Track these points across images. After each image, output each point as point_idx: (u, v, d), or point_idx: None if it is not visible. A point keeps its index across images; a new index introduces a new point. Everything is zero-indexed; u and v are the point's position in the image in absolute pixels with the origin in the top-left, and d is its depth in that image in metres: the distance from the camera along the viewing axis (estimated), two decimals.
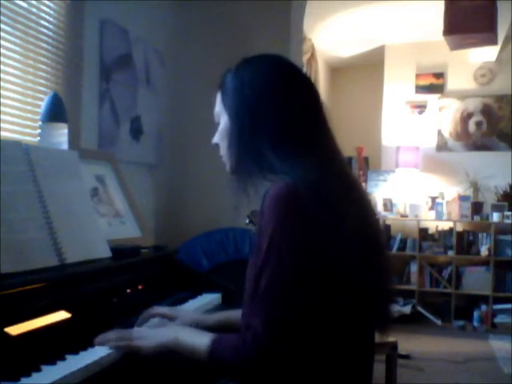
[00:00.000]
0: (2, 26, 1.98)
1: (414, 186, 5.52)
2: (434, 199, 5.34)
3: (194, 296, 1.73)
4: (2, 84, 1.98)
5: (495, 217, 5.04)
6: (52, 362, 1.02)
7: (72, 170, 1.60)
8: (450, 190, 5.38)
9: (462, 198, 5.20)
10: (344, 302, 1.03)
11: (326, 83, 6.15)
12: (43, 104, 1.77)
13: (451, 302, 5.08)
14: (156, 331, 1.19)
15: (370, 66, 6.07)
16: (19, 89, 2.09)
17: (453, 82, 5.57)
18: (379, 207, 5.40)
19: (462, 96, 5.51)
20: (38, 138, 1.75)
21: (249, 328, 0.99)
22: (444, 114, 5.58)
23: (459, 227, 5.22)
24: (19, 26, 2.08)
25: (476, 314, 5.02)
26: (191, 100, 3.27)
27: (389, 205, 5.45)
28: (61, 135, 1.75)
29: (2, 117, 1.96)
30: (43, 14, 2.22)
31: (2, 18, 1.97)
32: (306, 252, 0.99)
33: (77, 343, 1.12)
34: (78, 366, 1.02)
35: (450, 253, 5.17)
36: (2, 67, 1.98)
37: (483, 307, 5.00)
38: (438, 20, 3.88)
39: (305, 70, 4.90)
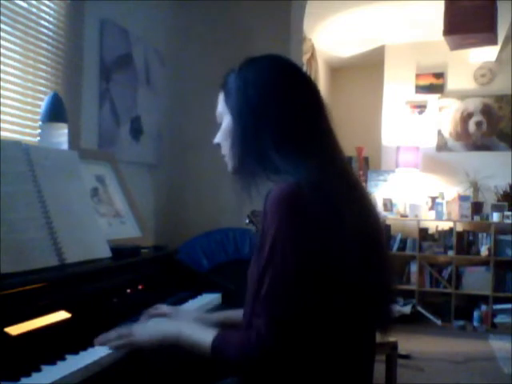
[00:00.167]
0: (2, 26, 1.98)
1: (413, 186, 5.52)
2: (434, 199, 5.34)
3: (194, 296, 1.73)
4: (2, 84, 1.98)
5: (495, 217, 5.04)
6: (52, 361, 1.02)
7: (72, 169, 1.60)
8: (450, 190, 5.38)
9: (462, 198, 5.20)
10: (345, 301, 1.03)
11: (326, 83, 6.15)
12: (43, 104, 1.77)
13: (451, 302, 5.08)
14: (158, 324, 1.20)
15: (370, 66, 6.07)
16: (19, 89, 2.09)
17: (453, 82, 5.57)
18: (379, 207, 5.40)
19: (462, 96, 5.51)
20: (38, 138, 1.75)
21: (252, 327, 1.00)
22: (444, 114, 5.58)
23: (459, 227, 5.22)
24: (19, 25, 2.07)
25: (476, 314, 5.02)
26: (191, 100, 3.27)
27: (389, 205, 5.45)
28: (61, 135, 1.75)
29: (2, 117, 1.96)
30: (43, 14, 2.22)
31: (2, 18, 1.97)
32: (309, 252, 0.99)
33: (77, 343, 1.12)
34: (78, 366, 1.02)
35: (450, 253, 5.17)
36: (2, 67, 1.98)
37: (483, 307, 5.00)
38: (438, 20, 3.88)
39: (305, 70, 4.90)
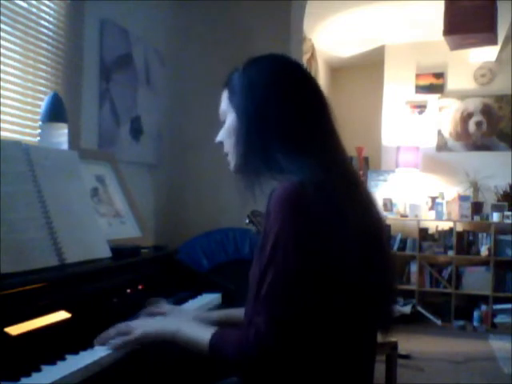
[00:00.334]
0: (2, 26, 1.98)
1: (414, 186, 5.52)
2: (434, 199, 5.34)
3: (194, 296, 1.73)
4: (2, 84, 1.98)
5: (495, 217, 5.04)
6: (52, 361, 1.02)
7: (72, 169, 1.60)
8: (450, 190, 5.38)
9: (462, 198, 5.20)
10: (347, 301, 1.03)
11: (326, 83, 6.14)
12: (43, 104, 1.77)
13: (451, 302, 5.08)
14: (157, 320, 1.20)
15: (370, 66, 6.07)
16: (19, 89, 2.09)
17: (453, 82, 5.58)
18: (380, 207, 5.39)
19: (462, 96, 5.51)
20: (38, 138, 1.75)
21: (251, 325, 0.99)
22: (444, 114, 5.58)
23: (459, 227, 5.22)
24: (19, 25, 2.07)
25: (476, 314, 5.02)
26: (191, 100, 3.27)
27: (389, 205, 5.45)
28: (61, 135, 1.75)
29: (2, 117, 1.96)
30: (43, 14, 2.22)
31: (2, 18, 1.97)
32: (311, 252, 0.99)
33: (77, 343, 1.12)
34: (78, 366, 1.02)
35: (450, 253, 5.17)
36: (2, 67, 1.98)
37: (483, 307, 5.00)
38: (438, 20, 3.88)
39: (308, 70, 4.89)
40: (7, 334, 1.03)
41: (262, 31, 3.20)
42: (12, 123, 2.05)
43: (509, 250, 4.98)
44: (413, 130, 5.63)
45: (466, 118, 5.50)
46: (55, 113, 1.74)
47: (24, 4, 2.10)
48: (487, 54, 5.19)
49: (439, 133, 5.59)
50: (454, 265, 5.14)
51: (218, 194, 3.18)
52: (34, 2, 2.16)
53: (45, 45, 2.23)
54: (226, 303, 1.78)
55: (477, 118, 5.47)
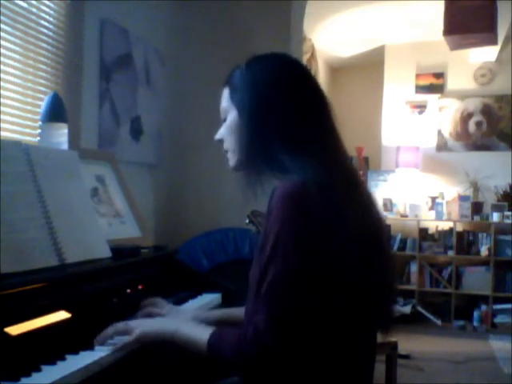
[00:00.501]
0: (2, 26, 1.98)
1: (414, 186, 5.52)
2: (434, 199, 5.34)
3: (194, 296, 1.73)
4: (2, 84, 1.98)
5: (495, 217, 5.04)
6: (52, 361, 1.02)
7: (72, 169, 1.60)
8: (450, 190, 5.38)
9: (462, 198, 5.20)
10: (346, 301, 1.03)
11: (326, 83, 6.14)
12: (43, 104, 1.77)
13: (451, 302, 5.08)
14: (156, 320, 1.20)
15: (370, 66, 6.07)
16: (19, 89, 2.09)
17: (453, 82, 5.57)
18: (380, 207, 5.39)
19: (462, 96, 5.51)
20: (38, 138, 1.75)
21: (251, 324, 0.99)
22: (444, 114, 5.58)
23: (459, 227, 5.22)
24: (19, 25, 2.07)
25: (476, 314, 5.02)
26: (191, 100, 3.27)
27: (389, 205, 5.45)
28: (61, 135, 1.75)
29: (2, 117, 1.96)
30: (43, 14, 2.22)
31: (2, 18, 1.97)
32: (311, 252, 0.99)
33: (77, 343, 1.12)
34: (78, 366, 1.02)
35: (450, 253, 5.17)
36: (2, 67, 1.98)
37: (483, 307, 5.00)
38: (438, 20, 3.88)
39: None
40: (7, 334, 1.03)
41: (262, 31, 3.20)
42: (12, 123, 2.05)
43: (509, 249, 4.98)
44: (413, 130, 5.63)
45: (465, 117, 5.50)
46: (55, 113, 1.74)
47: (24, 4, 2.10)
48: (487, 53, 5.19)
49: (439, 133, 5.59)
50: (454, 265, 5.14)
51: (218, 194, 3.18)
52: (34, 2, 2.16)
53: (45, 45, 2.23)
54: (226, 303, 1.78)
55: (477, 117, 5.47)
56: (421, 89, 5.65)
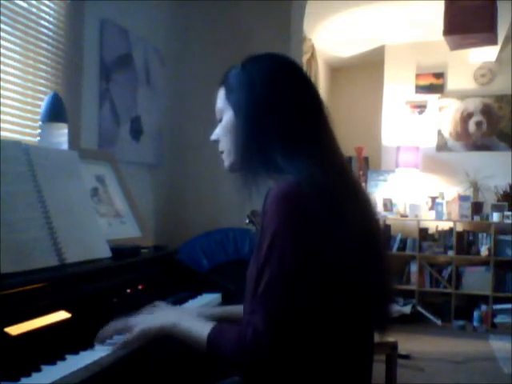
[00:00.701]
0: (2, 26, 1.98)
1: (414, 186, 5.52)
2: (434, 199, 5.34)
3: (193, 296, 1.73)
4: (2, 84, 1.98)
5: (495, 217, 5.04)
6: (52, 361, 1.02)
7: (72, 169, 1.60)
8: (450, 190, 5.38)
9: (462, 198, 5.20)
10: (344, 301, 1.03)
11: (326, 83, 6.15)
12: (43, 104, 1.77)
13: (451, 302, 5.08)
14: (156, 315, 1.19)
15: (370, 66, 6.07)
16: (19, 89, 2.09)
17: (453, 82, 5.58)
18: (379, 207, 5.40)
19: (462, 96, 5.51)
20: (38, 138, 1.75)
21: (249, 324, 0.99)
22: (444, 114, 5.58)
23: (459, 227, 5.22)
24: (19, 25, 2.07)
25: (476, 313, 5.02)
26: (191, 100, 3.27)
27: (389, 205, 5.45)
28: (61, 135, 1.75)
29: (2, 117, 1.96)
30: (43, 14, 2.22)
31: (2, 18, 1.97)
32: (308, 251, 0.99)
33: (77, 343, 1.12)
34: (78, 365, 1.02)
35: (450, 253, 5.17)
36: (2, 67, 1.98)
37: (483, 307, 5.00)
38: (438, 20, 3.88)
39: (305, 69, 4.90)
40: (7, 334, 1.03)
41: (262, 31, 3.20)
42: (12, 123, 2.05)
43: (509, 249, 4.98)
44: (413, 130, 5.63)
45: (466, 117, 5.50)
46: (55, 113, 1.74)
47: (24, 4, 2.10)
48: (487, 53, 5.19)
49: (439, 133, 5.59)
50: (454, 265, 5.14)
51: (218, 194, 3.18)
52: (34, 2, 2.16)
53: (45, 45, 2.23)
54: (226, 303, 1.78)
55: (477, 118, 5.47)
56: (421, 89, 5.65)
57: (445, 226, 5.28)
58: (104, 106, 2.59)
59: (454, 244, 5.13)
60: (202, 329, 1.06)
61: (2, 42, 1.98)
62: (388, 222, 5.43)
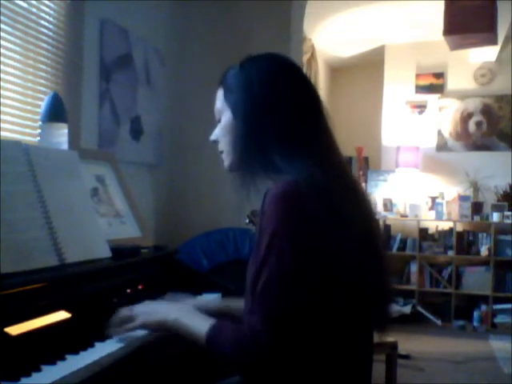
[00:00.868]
0: (2, 26, 1.98)
1: (414, 186, 5.52)
2: (434, 199, 5.34)
3: (193, 296, 1.73)
4: (2, 84, 1.98)
5: (495, 217, 5.04)
6: (52, 361, 1.02)
7: (72, 169, 1.60)
8: (450, 190, 5.38)
9: (462, 198, 5.20)
10: (343, 301, 1.03)
11: (326, 83, 6.15)
12: (43, 104, 1.77)
13: (451, 302, 5.08)
14: (157, 308, 1.20)
15: (370, 66, 6.07)
16: (19, 89, 2.09)
17: (453, 82, 5.58)
18: (379, 207, 5.40)
19: (462, 96, 5.51)
20: (38, 138, 1.75)
21: (249, 324, 0.99)
22: (444, 114, 5.58)
23: (459, 227, 5.22)
24: (19, 25, 2.07)
25: (476, 313, 5.02)
26: (191, 100, 3.27)
27: (389, 205, 5.45)
28: (61, 135, 1.75)
29: (2, 117, 1.96)
30: (43, 14, 2.22)
31: (2, 18, 1.97)
32: (306, 251, 0.99)
33: (77, 343, 1.12)
34: (78, 365, 1.02)
35: (450, 253, 5.17)
36: (2, 67, 1.98)
37: (483, 307, 5.00)
38: (438, 20, 3.88)
39: (305, 69, 4.90)
40: (7, 334, 1.03)
41: (262, 31, 3.20)
42: (12, 123, 2.05)
43: (509, 249, 4.98)
44: (413, 130, 5.63)
45: (465, 117, 5.50)
46: (55, 113, 1.74)
47: (24, 4, 2.10)
48: (487, 53, 5.19)
49: (439, 133, 5.59)
50: (454, 265, 5.14)
51: (218, 194, 3.18)
52: (34, 2, 2.16)
53: (45, 45, 2.23)
54: None
55: (477, 118, 5.47)
56: (421, 89, 5.65)
57: (445, 225, 5.28)
58: (104, 106, 2.59)
59: (454, 244, 5.13)
60: (201, 326, 1.06)
61: (2, 42, 1.98)
62: (388, 222, 5.43)
